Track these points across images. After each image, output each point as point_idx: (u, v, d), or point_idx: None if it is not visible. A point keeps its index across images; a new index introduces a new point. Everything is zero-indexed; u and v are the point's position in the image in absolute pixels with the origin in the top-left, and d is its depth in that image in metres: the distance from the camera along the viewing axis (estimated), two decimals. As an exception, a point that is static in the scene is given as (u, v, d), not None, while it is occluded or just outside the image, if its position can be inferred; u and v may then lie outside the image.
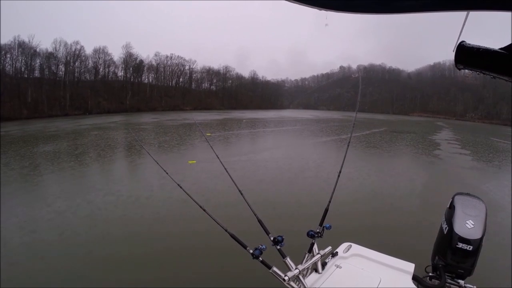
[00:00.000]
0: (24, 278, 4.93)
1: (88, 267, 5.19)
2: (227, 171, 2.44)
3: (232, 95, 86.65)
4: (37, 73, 52.21)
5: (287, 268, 1.58)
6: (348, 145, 2.31)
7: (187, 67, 78.91)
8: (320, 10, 0.80)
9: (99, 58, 61.77)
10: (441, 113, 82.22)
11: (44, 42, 70.95)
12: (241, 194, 2.18)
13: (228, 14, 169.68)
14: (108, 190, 9.50)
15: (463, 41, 0.81)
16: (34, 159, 14.72)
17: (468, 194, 2.08)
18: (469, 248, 1.83)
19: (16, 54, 48.95)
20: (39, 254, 5.69)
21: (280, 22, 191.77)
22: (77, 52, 57.14)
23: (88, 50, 59.73)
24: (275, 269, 1.54)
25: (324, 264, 1.83)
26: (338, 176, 2.13)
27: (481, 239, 1.85)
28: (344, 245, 2.10)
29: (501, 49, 0.76)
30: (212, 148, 3.04)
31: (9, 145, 19.02)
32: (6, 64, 48.32)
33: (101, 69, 62.57)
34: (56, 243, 6.09)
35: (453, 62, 0.84)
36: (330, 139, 24.38)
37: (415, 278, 1.82)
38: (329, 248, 1.87)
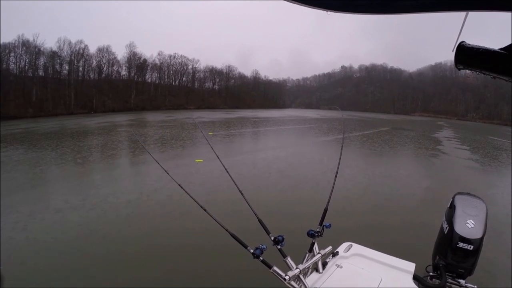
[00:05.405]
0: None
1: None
2: (227, 171, 2.44)
3: (235, 95, 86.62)
4: (41, 72, 52.37)
5: (287, 268, 1.58)
6: (342, 147, 2.38)
7: (190, 67, 78.93)
8: (320, 10, 0.80)
9: (103, 57, 61.80)
10: (442, 113, 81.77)
11: (48, 41, 70.81)
12: (241, 194, 2.18)
13: (231, 14, 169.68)
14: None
15: (463, 41, 0.81)
16: (112, 149, 16.11)
17: (468, 194, 2.08)
18: (470, 247, 1.84)
19: (20, 53, 49.21)
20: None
21: (281, 22, 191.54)
22: (81, 51, 57.14)
23: (92, 49, 59.85)
24: (275, 268, 1.54)
25: (324, 264, 1.83)
26: (335, 176, 2.13)
27: (481, 238, 1.85)
28: (345, 244, 2.11)
29: (501, 49, 0.75)
30: (212, 148, 3.02)
31: (62, 137, 20.82)
32: (10, 63, 48.56)
33: (105, 68, 62.60)
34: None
35: (454, 63, 0.84)
36: (334, 138, 24.32)
37: (415, 278, 1.82)
38: (330, 247, 1.88)
